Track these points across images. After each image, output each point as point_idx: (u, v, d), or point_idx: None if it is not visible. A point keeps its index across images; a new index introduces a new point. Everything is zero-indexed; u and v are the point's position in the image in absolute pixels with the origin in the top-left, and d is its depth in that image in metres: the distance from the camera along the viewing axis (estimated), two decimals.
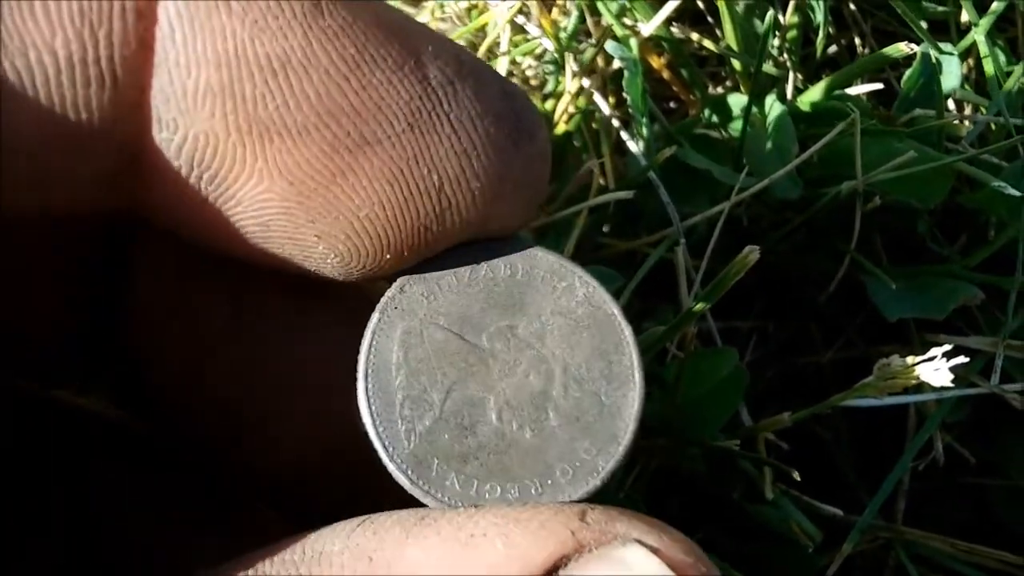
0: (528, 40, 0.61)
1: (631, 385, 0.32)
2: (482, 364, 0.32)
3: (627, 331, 0.32)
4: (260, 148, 0.28)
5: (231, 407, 0.36)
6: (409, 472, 0.30)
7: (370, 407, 0.31)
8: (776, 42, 0.63)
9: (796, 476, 0.50)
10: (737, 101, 0.61)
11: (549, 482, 0.31)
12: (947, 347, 0.45)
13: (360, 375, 0.31)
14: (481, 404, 0.31)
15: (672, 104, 0.66)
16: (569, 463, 0.31)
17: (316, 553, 0.26)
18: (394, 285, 0.32)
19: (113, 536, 0.37)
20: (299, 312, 0.36)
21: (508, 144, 0.30)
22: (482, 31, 0.62)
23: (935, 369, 0.44)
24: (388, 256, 0.30)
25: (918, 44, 0.58)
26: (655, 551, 0.25)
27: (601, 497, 0.51)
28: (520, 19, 0.60)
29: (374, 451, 0.31)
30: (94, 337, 0.36)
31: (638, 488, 0.54)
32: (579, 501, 0.30)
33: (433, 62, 0.29)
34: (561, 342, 0.32)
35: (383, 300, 0.32)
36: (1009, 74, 0.61)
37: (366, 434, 0.31)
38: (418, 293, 0.32)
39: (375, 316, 0.32)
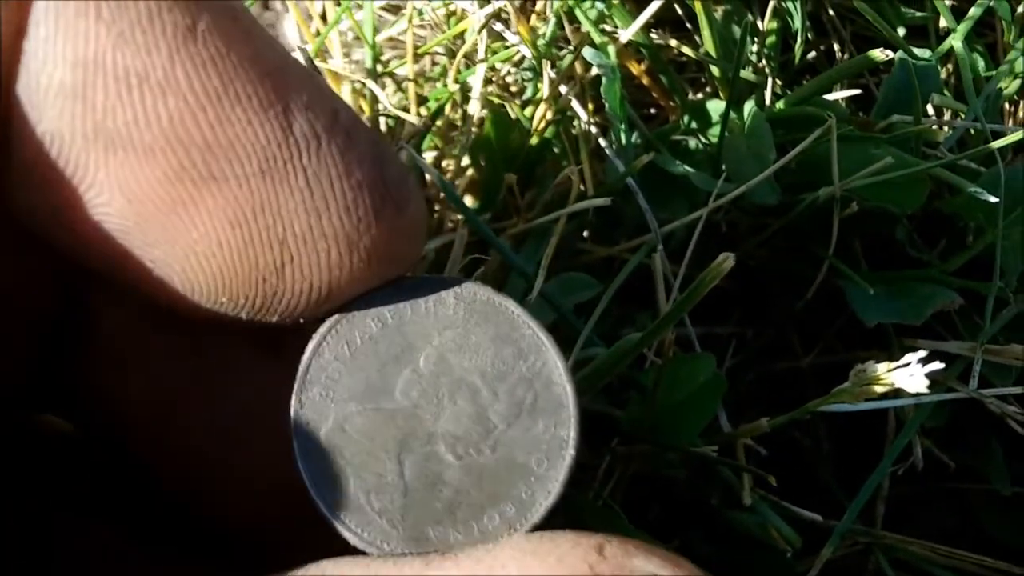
0: (506, 47, 0.61)
1: (543, 349, 0.31)
2: (412, 419, 0.31)
3: (511, 305, 0.32)
4: (103, 159, 0.27)
5: (192, 452, 0.35)
6: (414, 554, 0.30)
7: (344, 523, 0.30)
8: (755, 48, 0.63)
9: (773, 481, 0.50)
10: (716, 107, 0.61)
11: (532, 479, 0.30)
12: (923, 352, 0.45)
13: (316, 500, 0.30)
14: (435, 455, 0.31)
15: (651, 110, 0.66)
16: (539, 452, 0.31)
17: None
18: (292, 402, 0.31)
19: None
20: (262, 360, 0.35)
21: (366, 213, 0.29)
22: (460, 38, 0.62)
23: (910, 375, 0.45)
24: (224, 299, 0.30)
25: (896, 50, 0.58)
26: None
27: (586, 506, 0.51)
28: (498, 26, 0.60)
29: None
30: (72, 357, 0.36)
31: (617, 494, 0.54)
32: (565, 478, 0.30)
33: (303, 112, 0.28)
34: (463, 353, 0.31)
35: (292, 422, 0.31)
36: (987, 79, 0.61)
37: (354, 549, 0.30)
38: (316, 396, 0.31)
39: (295, 441, 0.31)
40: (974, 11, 0.60)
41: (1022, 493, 0.59)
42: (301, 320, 0.31)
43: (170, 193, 0.27)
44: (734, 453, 0.54)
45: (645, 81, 0.63)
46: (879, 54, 0.56)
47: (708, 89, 0.66)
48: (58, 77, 0.26)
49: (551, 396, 0.31)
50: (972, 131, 0.61)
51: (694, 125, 0.61)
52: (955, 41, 0.60)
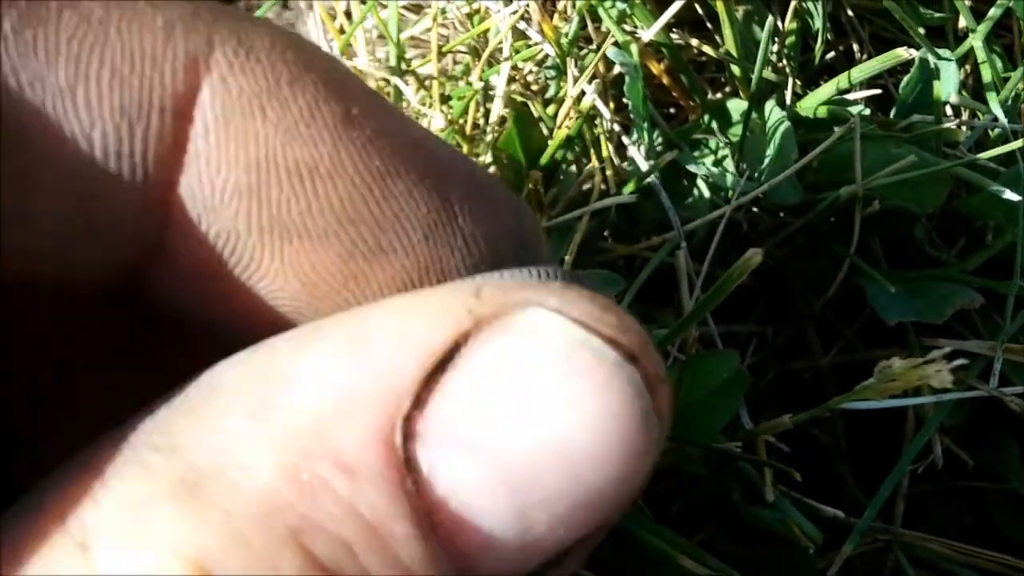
0: (529, 46, 0.61)
1: None
2: None
3: None
4: (279, 249, 0.28)
5: None
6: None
7: None
8: (775, 48, 0.64)
9: (797, 476, 0.50)
10: (737, 107, 0.61)
11: None
12: (948, 349, 0.45)
13: None
14: None
15: (672, 110, 0.67)
16: None
17: (215, 382, 0.25)
18: None
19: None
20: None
21: (512, 258, 0.30)
22: (484, 37, 0.62)
23: (936, 371, 0.45)
24: None
25: (916, 50, 0.58)
26: (558, 311, 0.25)
27: None
28: (521, 25, 0.61)
29: None
30: None
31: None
32: None
33: (453, 177, 0.29)
34: None
35: None
36: (1006, 79, 0.61)
37: None
38: None
39: None
40: (994, 12, 0.60)
41: None
42: None
43: (342, 271, 0.28)
44: (755, 450, 0.54)
45: (665, 80, 0.63)
46: (903, 53, 0.56)
47: (727, 89, 0.66)
48: (233, 180, 0.27)
49: None
50: (991, 131, 0.62)
51: (715, 124, 0.62)
52: (975, 41, 0.60)
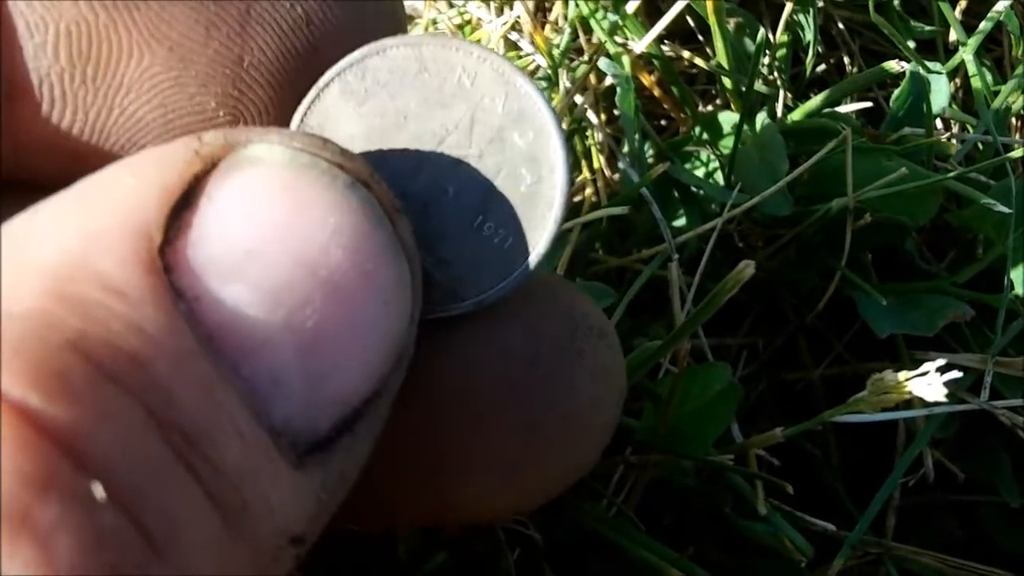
0: (521, 57, 0.61)
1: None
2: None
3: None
4: (131, 20, 0.28)
5: None
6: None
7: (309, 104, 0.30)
8: (766, 60, 0.64)
9: (789, 489, 0.50)
10: (728, 118, 0.61)
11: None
12: (941, 361, 0.45)
13: None
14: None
15: (663, 121, 0.67)
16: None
17: None
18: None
19: None
20: None
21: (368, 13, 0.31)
22: None
23: (928, 384, 0.45)
24: (276, 96, 0.30)
25: (907, 63, 0.58)
26: (280, 143, 0.25)
27: (600, 515, 0.50)
28: (513, 36, 0.61)
29: None
30: None
31: (630, 503, 0.54)
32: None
33: None
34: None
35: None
36: (997, 93, 0.62)
37: None
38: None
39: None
40: (984, 25, 0.61)
41: None
42: None
43: (199, 22, 0.29)
44: (746, 463, 0.54)
45: (657, 92, 0.63)
46: (894, 65, 0.56)
47: (718, 101, 0.67)
48: None
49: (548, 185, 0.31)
50: (981, 144, 0.62)
51: (706, 136, 0.61)
52: (966, 54, 0.60)
